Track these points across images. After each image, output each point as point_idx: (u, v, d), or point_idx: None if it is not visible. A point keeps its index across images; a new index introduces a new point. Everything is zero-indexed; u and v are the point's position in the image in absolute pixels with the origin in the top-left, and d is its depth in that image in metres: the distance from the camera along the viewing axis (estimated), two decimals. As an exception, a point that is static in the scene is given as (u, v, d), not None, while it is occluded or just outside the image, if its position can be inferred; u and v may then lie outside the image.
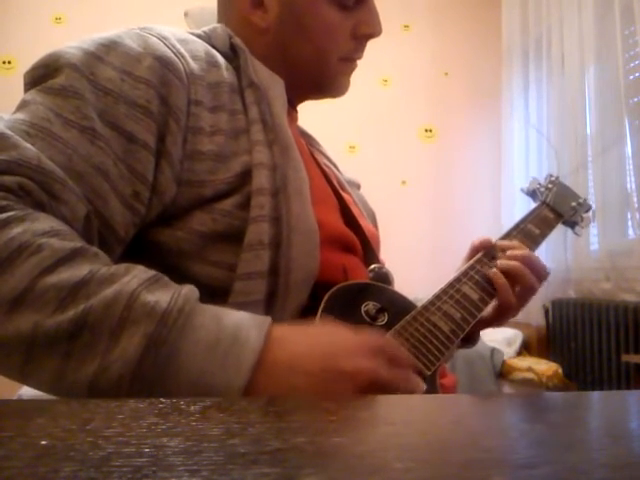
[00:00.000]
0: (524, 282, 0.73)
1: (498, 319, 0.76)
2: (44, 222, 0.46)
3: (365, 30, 0.72)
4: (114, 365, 0.41)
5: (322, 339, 0.49)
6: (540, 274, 0.75)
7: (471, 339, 0.81)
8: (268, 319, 0.47)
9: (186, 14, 0.81)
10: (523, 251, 0.75)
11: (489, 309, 0.73)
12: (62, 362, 0.42)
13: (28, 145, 0.49)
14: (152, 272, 0.47)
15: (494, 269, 0.73)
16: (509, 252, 0.75)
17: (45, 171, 0.49)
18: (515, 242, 0.78)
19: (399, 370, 0.50)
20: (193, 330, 0.43)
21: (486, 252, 0.76)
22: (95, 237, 0.53)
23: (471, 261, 0.76)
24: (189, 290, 0.46)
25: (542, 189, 0.93)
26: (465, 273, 0.73)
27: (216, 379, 0.42)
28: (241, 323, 0.45)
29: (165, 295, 0.44)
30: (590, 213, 0.96)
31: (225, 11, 0.74)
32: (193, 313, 0.44)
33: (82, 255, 0.45)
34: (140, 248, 0.58)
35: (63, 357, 0.42)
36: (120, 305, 0.42)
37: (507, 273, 0.73)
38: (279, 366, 0.45)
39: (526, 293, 0.74)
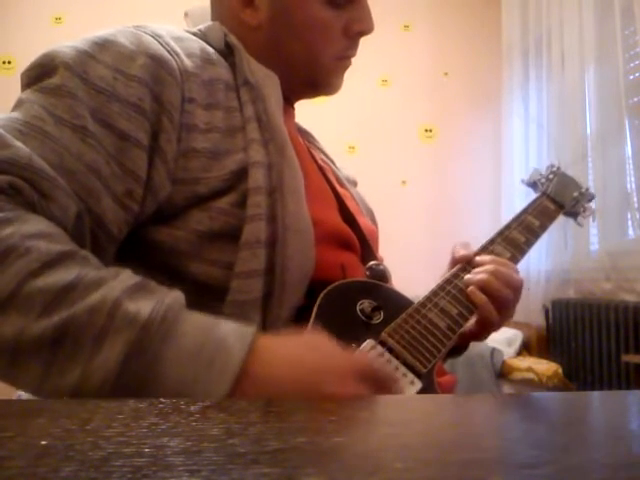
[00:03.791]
0: (495, 295, 0.69)
1: (481, 333, 0.73)
2: (33, 224, 0.46)
3: (357, 27, 0.71)
4: (96, 373, 0.41)
5: (306, 358, 0.48)
6: (512, 285, 0.70)
7: (459, 349, 0.78)
8: (253, 329, 0.46)
9: (186, 14, 0.81)
10: (493, 265, 0.71)
11: (472, 322, 0.70)
12: (45, 368, 0.42)
13: (19, 144, 0.49)
14: (137, 278, 0.46)
15: (470, 287, 0.69)
16: (479, 268, 0.71)
17: (35, 169, 0.48)
18: (490, 257, 0.73)
19: (383, 391, 0.50)
20: (176, 338, 0.43)
21: (463, 266, 0.73)
22: (87, 235, 0.53)
23: (448, 274, 0.72)
24: (174, 298, 0.45)
25: (542, 180, 0.90)
26: (442, 287, 0.69)
27: (199, 387, 0.42)
28: (226, 332, 0.45)
29: (148, 304, 0.44)
30: (593, 203, 0.92)
31: (217, 9, 0.74)
32: (176, 322, 0.44)
33: (70, 258, 0.45)
34: (138, 247, 0.58)
35: (46, 364, 0.41)
36: (103, 313, 0.42)
37: (480, 287, 0.69)
38: (260, 380, 0.44)
39: (501, 306, 0.70)
